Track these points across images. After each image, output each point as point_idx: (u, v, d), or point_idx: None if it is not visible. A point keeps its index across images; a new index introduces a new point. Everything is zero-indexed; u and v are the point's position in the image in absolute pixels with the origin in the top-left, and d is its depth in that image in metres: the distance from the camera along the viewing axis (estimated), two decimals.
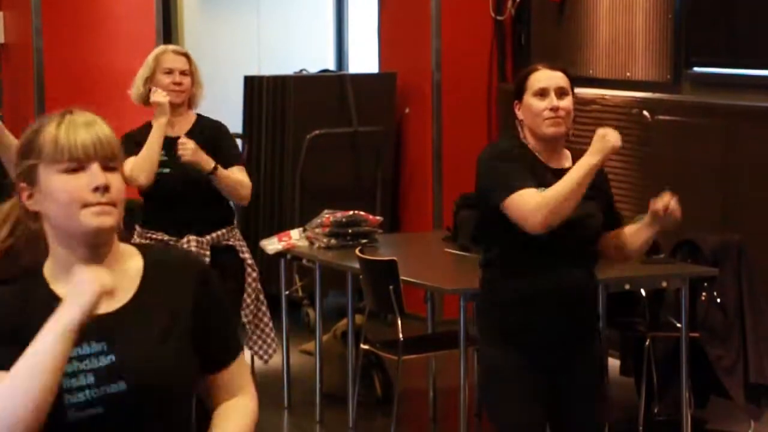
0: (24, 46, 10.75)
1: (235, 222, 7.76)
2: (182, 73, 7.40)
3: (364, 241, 8.70)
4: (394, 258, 7.90)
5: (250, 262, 7.57)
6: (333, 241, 8.71)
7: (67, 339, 3.04)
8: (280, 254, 9.03)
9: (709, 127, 9.49)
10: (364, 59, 12.94)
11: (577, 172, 5.09)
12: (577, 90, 10.04)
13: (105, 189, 3.14)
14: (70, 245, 3.21)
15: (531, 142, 5.61)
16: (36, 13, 10.52)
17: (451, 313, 8.57)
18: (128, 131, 7.21)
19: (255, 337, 7.77)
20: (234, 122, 11.16)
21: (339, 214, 8.84)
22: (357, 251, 8.26)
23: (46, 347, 3.04)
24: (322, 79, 11.82)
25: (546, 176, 5.58)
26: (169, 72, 7.37)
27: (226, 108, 11.23)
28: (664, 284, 8.27)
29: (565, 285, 5.59)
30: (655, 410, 8.40)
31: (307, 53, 12.88)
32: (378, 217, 9.21)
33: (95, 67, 10.60)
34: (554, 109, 5.55)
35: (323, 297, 9.20)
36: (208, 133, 7.46)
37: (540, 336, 5.55)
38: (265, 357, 7.91)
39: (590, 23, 10.83)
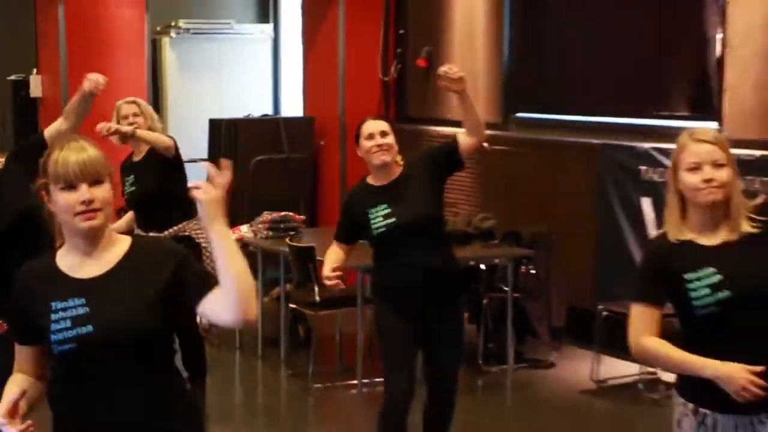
0: (55, 99, 10.70)
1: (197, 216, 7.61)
2: (135, 115, 7.52)
3: (291, 233, 9.03)
4: (313, 245, 8.30)
5: (205, 245, 7.32)
6: (270, 233, 9.11)
7: (228, 233, 3.34)
8: None
9: (527, 154, 9.81)
10: (293, 106, 13.10)
11: None
12: (440, 128, 10.71)
13: (90, 202, 3.38)
14: (73, 235, 3.45)
15: (370, 173, 5.93)
16: (64, 75, 10.66)
17: (351, 282, 8.33)
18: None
19: None
20: (201, 151, 11.69)
21: (274, 215, 9.23)
22: (287, 240, 8.69)
23: (233, 246, 3.36)
24: (263, 120, 12.15)
25: (372, 195, 5.86)
26: (125, 117, 7.50)
27: (197, 141, 11.76)
28: (497, 261, 8.69)
29: (419, 266, 5.75)
30: (489, 345, 8.77)
31: (253, 102, 13.01)
32: (302, 216, 9.58)
33: (105, 114, 10.41)
34: (380, 145, 5.79)
35: (264, 272, 9.31)
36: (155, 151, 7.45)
37: (405, 300, 5.80)
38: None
39: None
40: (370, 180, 5.97)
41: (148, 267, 3.46)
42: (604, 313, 8.20)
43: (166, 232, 7.45)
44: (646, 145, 8.67)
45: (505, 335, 8.64)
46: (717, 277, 3.66)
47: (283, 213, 9.38)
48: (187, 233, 7.52)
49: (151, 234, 7.31)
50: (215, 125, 11.87)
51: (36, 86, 11.20)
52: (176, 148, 7.54)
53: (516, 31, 10.29)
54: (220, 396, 8.35)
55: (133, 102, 7.68)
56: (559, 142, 9.66)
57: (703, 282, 3.68)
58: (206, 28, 13.16)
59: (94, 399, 3.43)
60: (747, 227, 3.72)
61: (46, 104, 11.22)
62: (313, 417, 8.09)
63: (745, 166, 7.77)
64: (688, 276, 3.70)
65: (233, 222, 9.89)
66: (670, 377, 8.03)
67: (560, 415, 7.85)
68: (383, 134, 5.87)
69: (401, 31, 11.75)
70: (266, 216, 9.34)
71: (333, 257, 5.98)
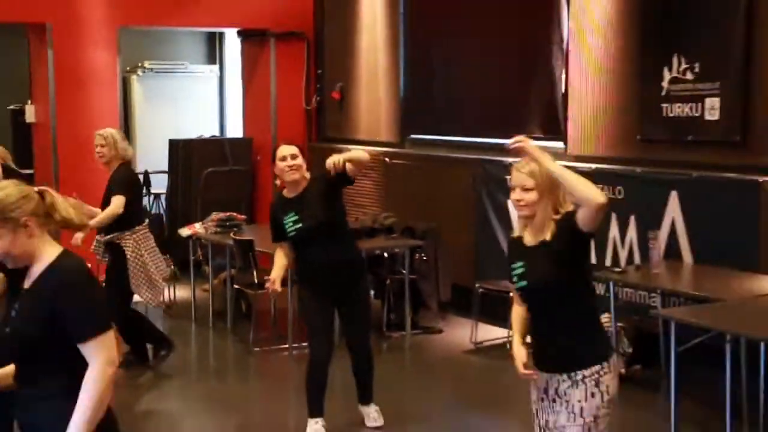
0: (46, 124, 10.66)
1: (134, 228, 7.31)
2: (101, 146, 7.32)
3: (235, 229, 8.95)
4: (252, 238, 8.27)
5: (127, 250, 7.26)
6: (218, 229, 9.01)
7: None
8: (189, 237, 9.27)
9: (420, 167, 9.87)
10: (235, 129, 12.96)
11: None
12: (351, 146, 10.72)
13: None
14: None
15: (285, 186, 5.92)
16: (52, 105, 10.48)
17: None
18: None
19: (143, 290, 7.40)
20: (163, 164, 11.71)
21: (221, 214, 9.17)
22: (231, 234, 8.67)
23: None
24: (212, 140, 12.06)
25: (285, 205, 5.85)
26: (95, 147, 7.36)
27: (159, 156, 11.84)
28: (397, 250, 8.68)
29: (328, 258, 5.81)
30: (391, 317, 8.76)
31: (204, 125, 12.88)
32: (243, 216, 9.50)
33: (85, 134, 9.42)
34: (291, 166, 5.76)
35: (213, 260, 9.23)
36: (115, 171, 7.31)
37: (318, 286, 5.86)
38: (156, 301, 7.64)
39: (355, 111, 11.00)
40: (285, 192, 5.96)
41: (44, 288, 3.08)
42: (481, 289, 8.24)
43: (106, 237, 7.34)
44: (510, 160, 8.67)
45: (403, 308, 8.63)
46: (522, 270, 3.84)
47: (228, 213, 9.32)
48: (118, 241, 7.35)
49: (97, 237, 7.36)
50: (174, 144, 11.77)
51: (30, 114, 11.03)
52: (126, 203, 7.26)
53: (409, 71, 10.30)
54: (179, 358, 8.21)
55: (99, 134, 7.43)
56: (445, 158, 9.68)
57: (516, 271, 3.86)
58: (166, 67, 13.11)
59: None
60: (548, 235, 3.79)
61: (38, 128, 11.01)
62: (254, 373, 8.03)
63: (585, 176, 7.95)
64: (512, 265, 3.88)
65: (189, 221, 10.06)
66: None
67: (447, 369, 7.89)
68: (293, 156, 5.84)
69: (319, 71, 11.74)
70: (215, 216, 9.28)
71: (280, 262, 5.97)
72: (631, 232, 7.56)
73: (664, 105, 7.34)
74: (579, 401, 3.75)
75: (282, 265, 5.95)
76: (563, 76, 8.32)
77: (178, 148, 11.67)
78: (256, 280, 8.14)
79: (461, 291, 8.88)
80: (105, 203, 7.32)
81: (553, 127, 8.48)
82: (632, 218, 7.54)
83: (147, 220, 7.67)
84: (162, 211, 12.00)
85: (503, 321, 8.20)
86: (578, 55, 8.16)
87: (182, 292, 10.09)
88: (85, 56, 10.64)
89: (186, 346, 8.88)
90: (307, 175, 5.92)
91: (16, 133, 11.91)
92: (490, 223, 8.92)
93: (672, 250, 7.12)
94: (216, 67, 13.69)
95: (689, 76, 7.14)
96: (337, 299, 5.95)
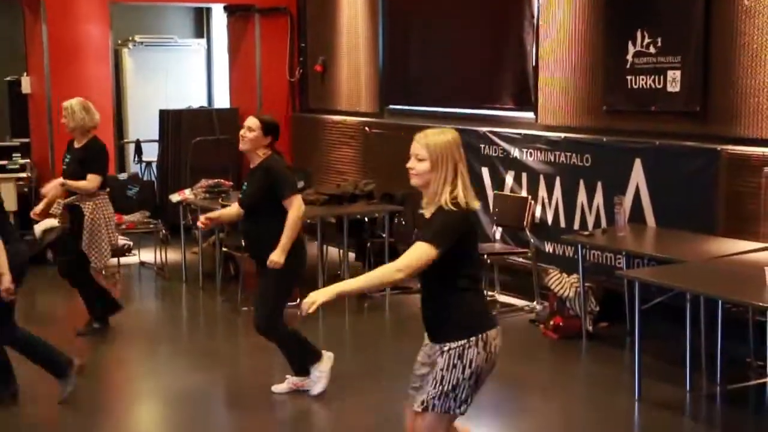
0: (41, 95, 10.59)
1: (96, 194, 7.26)
2: (63, 117, 7.28)
3: (223, 195, 8.89)
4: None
5: (86, 213, 7.21)
6: (207, 195, 8.98)
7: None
8: (179, 202, 9.23)
9: (398, 136, 9.48)
10: (222, 99, 12.90)
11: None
12: (331, 116, 10.75)
13: None
14: None
15: None
16: (47, 77, 10.45)
17: None
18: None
19: (92, 252, 7.32)
20: (154, 134, 11.69)
21: (210, 181, 9.17)
22: (219, 200, 8.61)
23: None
24: (200, 110, 11.91)
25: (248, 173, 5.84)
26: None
27: (150, 126, 11.82)
28: (377, 215, 8.81)
29: (246, 229, 5.81)
30: None
31: (192, 96, 12.81)
32: (230, 182, 9.37)
33: None
34: (242, 136, 5.70)
35: None
36: (89, 147, 7.25)
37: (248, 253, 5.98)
38: (99, 265, 7.46)
39: (337, 83, 10.97)
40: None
41: None
42: None
43: (67, 199, 7.34)
44: (484, 129, 8.76)
45: None
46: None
47: (216, 180, 9.30)
48: (78, 203, 7.33)
49: (59, 201, 7.36)
50: (164, 114, 11.70)
51: (26, 85, 10.94)
52: (100, 169, 7.29)
53: (387, 44, 10.26)
54: (171, 317, 8.29)
55: (63, 106, 7.41)
56: (422, 127, 9.07)
57: None
58: (156, 41, 13.04)
59: None
60: (431, 211, 3.71)
61: (34, 99, 10.91)
62: (241, 330, 8.01)
63: (554, 144, 8.01)
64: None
65: (179, 187, 10.01)
66: (505, 299, 8.32)
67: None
68: (249, 129, 5.71)
69: (302, 44, 11.69)
70: (203, 182, 9.26)
71: (229, 210, 6.03)
72: (598, 198, 7.59)
73: (629, 77, 7.36)
74: (441, 369, 3.76)
75: (225, 212, 6.00)
76: (534, 50, 8.31)
77: (168, 118, 11.59)
78: (243, 243, 8.03)
79: None
80: (73, 170, 7.29)
81: (525, 98, 8.48)
82: (599, 184, 7.57)
83: (108, 189, 7.58)
84: (153, 178, 11.96)
85: None
86: (548, 30, 8.15)
87: (173, 255, 10.10)
88: (78, 30, 10.59)
89: (177, 305, 8.90)
90: (261, 153, 5.73)
91: (12, 103, 11.81)
92: None
93: (636, 215, 7.15)
94: (203, 41, 13.63)
95: (652, 50, 7.16)
96: (258, 264, 5.85)
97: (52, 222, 8.68)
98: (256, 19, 11.62)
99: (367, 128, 10.38)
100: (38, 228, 9.19)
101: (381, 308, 8.43)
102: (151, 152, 12.16)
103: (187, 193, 9.30)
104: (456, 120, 9.15)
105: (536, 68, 8.29)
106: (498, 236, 8.55)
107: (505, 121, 8.67)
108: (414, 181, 3.76)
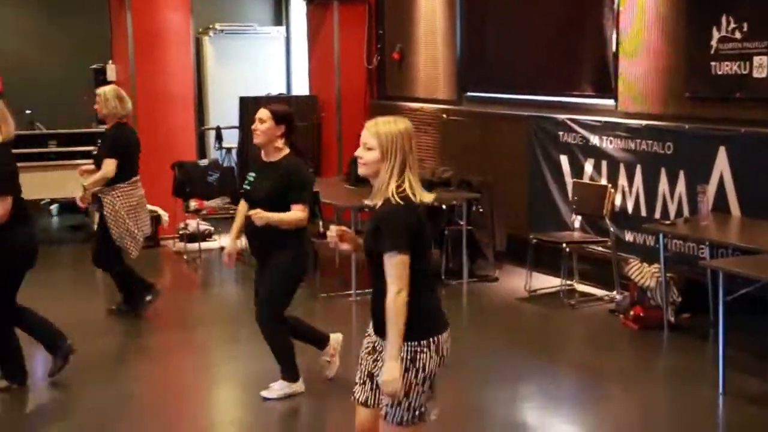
0: (125, 82, 10.51)
1: (115, 186, 7.29)
2: (96, 103, 7.38)
3: None
4: (317, 190, 7.96)
5: (105, 204, 7.27)
6: None
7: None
8: None
9: (476, 123, 9.77)
10: (301, 87, 12.92)
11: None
12: (408, 103, 10.72)
13: None
14: None
15: None
16: (131, 64, 10.50)
17: (347, 218, 9.07)
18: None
19: (126, 242, 7.41)
20: (234, 120, 11.77)
21: None
22: None
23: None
24: (279, 97, 11.79)
25: (255, 163, 5.59)
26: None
27: (230, 113, 11.90)
28: (454, 202, 8.61)
29: (248, 228, 5.51)
30: (450, 265, 8.65)
31: (271, 84, 12.91)
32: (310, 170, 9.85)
33: (161, 91, 10.56)
34: (254, 129, 5.44)
35: None
36: (109, 132, 7.35)
37: (250, 244, 5.62)
38: (135, 252, 7.50)
39: (414, 70, 10.94)
40: (262, 153, 5.63)
41: None
42: (534, 240, 8.14)
43: (93, 189, 7.36)
44: (563, 116, 8.65)
45: (461, 257, 8.57)
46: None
47: None
48: (99, 195, 7.37)
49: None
50: (244, 101, 11.70)
51: (111, 72, 11.09)
52: (116, 154, 7.31)
53: (465, 31, 10.16)
54: (249, 303, 8.26)
55: (96, 92, 7.52)
56: (500, 114, 9.56)
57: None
58: (236, 29, 13.11)
59: None
60: (379, 201, 3.52)
61: (118, 86, 10.93)
62: (320, 316, 7.97)
63: (635, 132, 7.86)
64: None
65: None
66: (583, 288, 8.22)
67: (502, 315, 7.82)
68: (261, 121, 5.48)
69: (380, 32, 11.65)
70: None
71: (240, 217, 5.70)
72: (680, 186, 7.44)
73: (713, 63, 7.18)
74: None
75: (239, 224, 5.71)
76: (614, 36, 8.16)
77: (247, 105, 11.52)
78: (321, 230, 8.04)
79: (516, 241, 8.83)
80: (98, 159, 7.41)
81: (604, 85, 8.33)
82: (681, 173, 7.43)
83: (135, 178, 7.50)
84: (233, 164, 12.02)
85: (556, 270, 8.24)
86: (628, 15, 7.99)
87: None
88: (161, 18, 10.68)
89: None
90: (279, 145, 5.50)
91: None
92: (543, 177, 8.86)
93: (720, 204, 7.00)
94: (283, 29, 13.66)
95: (738, 35, 6.97)
96: (259, 261, 5.66)
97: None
98: (335, 6, 11.59)
99: (444, 115, 10.32)
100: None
101: (458, 296, 8.37)
102: (230, 138, 12.25)
103: None
104: (534, 107, 9.08)
105: (616, 54, 8.15)
106: (577, 225, 8.45)
107: (584, 109, 8.54)
108: (361, 171, 3.56)
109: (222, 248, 10.29)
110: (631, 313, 7.15)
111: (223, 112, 12.40)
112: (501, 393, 5.93)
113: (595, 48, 8.38)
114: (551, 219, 8.64)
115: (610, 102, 8.26)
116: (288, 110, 5.64)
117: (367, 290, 7.04)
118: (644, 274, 7.16)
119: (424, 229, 3.54)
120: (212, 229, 10.50)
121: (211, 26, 12.98)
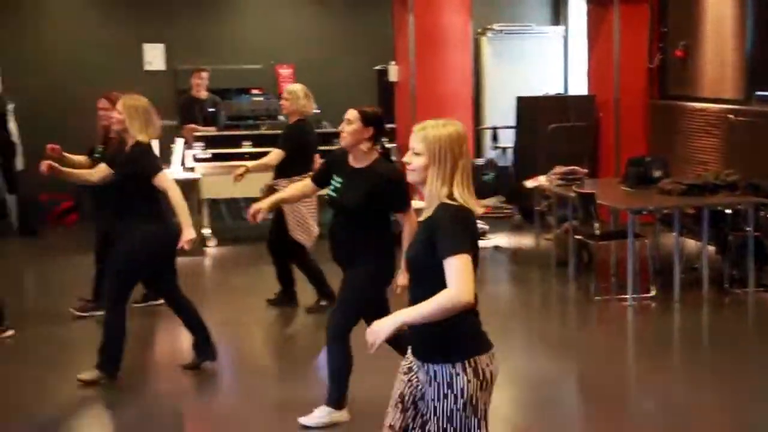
0: (405, 83, 10.75)
1: (290, 178, 7.15)
2: (285, 99, 7.43)
3: (577, 182, 8.80)
4: (594, 191, 8.12)
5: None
6: (561, 182, 8.91)
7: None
8: (533, 188, 9.32)
9: (765, 124, 9.11)
10: (578, 86, 12.78)
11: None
12: (693, 104, 10.19)
13: None
14: None
15: None
16: (412, 65, 10.65)
17: (624, 220, 8.53)
18: None
19: (298, 233, 7.38)
20: (510, 120, 11.84)
21: (564, 168, 9.08)
22: (573, 187, 8.50)
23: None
24: (556, 97, 11.95)
25: (344, 167, 5.15)
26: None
27: (507, 112, 11.95)
28: (740, 207, 8.11)
29: (337, 236, 5.17)
30: (734, 273, 8.13)
31: (548, 83, 12.70)
32: (585, 170, 9.31)
33: (440, 92, 10.53)
34: (341, 131, 5.10)
35: (555, 211, 9.24)
36: (287, 126, 7.44)
37: (333, 253, 5.21)
38: (309, 243, 7.42)
39: (699, 69, 10.42)
40: (350, 158, 5.20)
41: None
42: None
43: (269, 182, 7.49)
44: None
45: (746, 265, 8.10)
46: None
47: (570, 167, 9.18)
48: (275, 187, 7.29)
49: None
50: (521, 101, 11.77)
51: (393, 73, 11.24)
52: (287, 155, 7.37)
53: (757, 26, 9.61)
54: (527, 301, 8.27)
55: (285, 89, 7.62)
56: None
57: None
58: (514, 29, 13.04)
59: None
60: (430, 213, 3.29)
61: (399, 87, 11.19)
62: (596, 321, 7.80)
63: None
64: None
65: (533, 173, 9.88)
66: None
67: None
68: (348, 122, 5.09)
69: (664, 29, 11.26)
70: (558, 169, 9.17)
71: (287, 191, 5.65)
72: None
73: None
74: (432, 400, 3.30)
75: (288, 193, 5.54)
76: None
77: (524, 105, 11.66)
78: (597, 231, 7.95)
79: None
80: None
81: None
82: None
83: (310, 173, 7.29)
84: (509, 164, 11.97)
85: None
86: None
87: (526, 240, 10.11)
88: (442, 20, 10.74)
89: (529, 291, 8.85)
90: (366, 148, 5.09)
91: (380, 90, 12.18)
92: None
93: None
94: (561, 28, 13.48)
95: None
96: (342, 267, 5.27)
97: None
98: (616, 5, 11.32)
99: (731, 116, 9.77)
100: None
101: (742, 305, 7.89)
102: (505, 138, 12.23)
103: (542, 180, 9.24)
104: None
105: None
106: None
107: None
108: (410, 178, 3.35)
109: (496, 247, 10.28)
110: None
111: (499, 112, 12.38)
112: None
113: None
114: None
115: None
116: (377, 112, 5.26)
117: (644, 295, 6.78)
118: None
119: (477, 240, 3.36)
120: (487, 227, 10.49)
121: (489, 27, 13.02)
